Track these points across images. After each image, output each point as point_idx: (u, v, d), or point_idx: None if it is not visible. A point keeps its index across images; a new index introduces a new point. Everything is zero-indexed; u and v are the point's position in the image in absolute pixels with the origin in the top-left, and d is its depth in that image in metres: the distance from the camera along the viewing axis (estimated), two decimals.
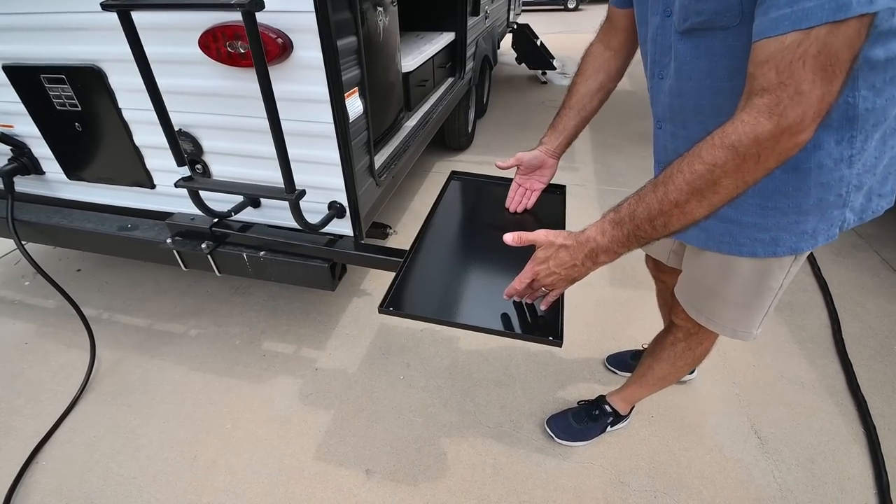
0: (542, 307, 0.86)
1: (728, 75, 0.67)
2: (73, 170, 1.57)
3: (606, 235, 0.69)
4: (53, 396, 1.66)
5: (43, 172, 1.62)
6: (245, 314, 2.03)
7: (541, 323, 0.86)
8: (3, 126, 1.54)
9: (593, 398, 1.51)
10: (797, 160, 0.68)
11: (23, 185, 1.66)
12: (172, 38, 1.16)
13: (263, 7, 0.88)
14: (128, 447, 1.49)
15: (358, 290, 2.16)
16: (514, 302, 0.89)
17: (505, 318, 0.87)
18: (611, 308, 2.02)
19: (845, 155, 0.69)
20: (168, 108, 1.11)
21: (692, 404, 1.60)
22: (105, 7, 0.93)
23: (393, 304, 0.90)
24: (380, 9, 1.56)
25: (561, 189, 1.30)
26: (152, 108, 1.10)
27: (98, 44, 1.26)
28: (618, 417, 1.46)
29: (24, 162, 1.57)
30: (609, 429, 1.47)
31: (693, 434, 1.51)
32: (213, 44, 1.13)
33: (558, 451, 1.46)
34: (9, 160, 1.57)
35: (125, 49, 1.02)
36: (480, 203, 1.30)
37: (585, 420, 1.46)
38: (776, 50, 0.52)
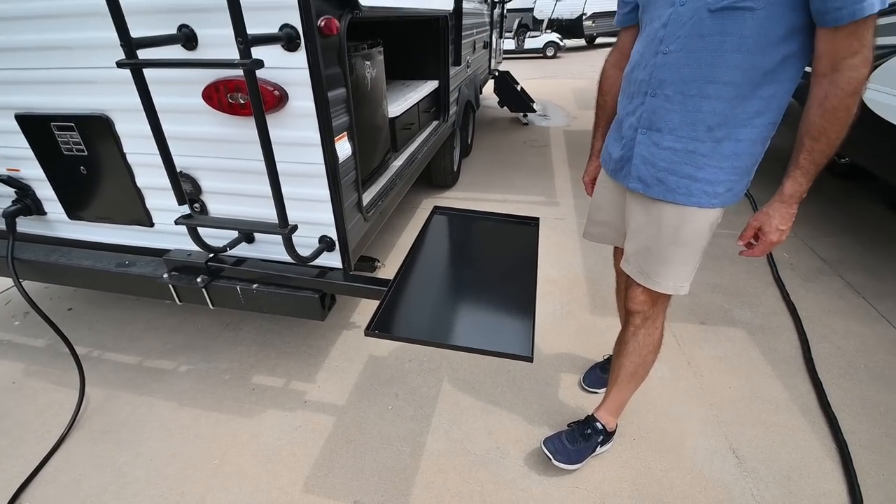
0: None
1: (733, 47, 0.93)
2: (75, 210, 1.64)
3: (804, 184, 0.97)
4: (39, 436, 1.65)
5: (45, 213, 1.70)
6: (235, 349, 2.06)
7: (513, 341, 0.94)
8: (10, 170, 1.63)
9: (583, 418, 1.55)
10: (746, 135, 1.01)
11: (23, 225, 1.73)
12: (178, 90, 1.28)
13: (263, 66, 1.00)
14: (114, 485, 1.48)
15: (347, 322, 2.21)
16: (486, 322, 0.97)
17: (481, 337, 0.94)
18: (592, 335, 2.09)
19: (768, 137, 1.04)
20: (171, 151, 1.21)
21: (672, 426, 1.65)
22: (120, 65, 1.04)
23: (378, 327, 0.97)
24: (367, 62, 1.72)
25: (535, 221, 1.41)
26: (155, 153, 1.20)
27: (108, 95, 1.38)
28: (606, 436, 1.51)
29: (28, 203, 1.65)
30: (598, 448, 1.50)
31: (673, 455, 1.55)
32: (215, 95, 1.25)
33: (544, 476, 1.48)
34: (12, 202, 1.65)
35: (133, 100, 1.14)
36: (460, 235, 1.40)
37: (579, 440, 1.49)
38: (857, 28, 0.83)
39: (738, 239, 1.11)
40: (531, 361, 0.89)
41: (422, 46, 2.78)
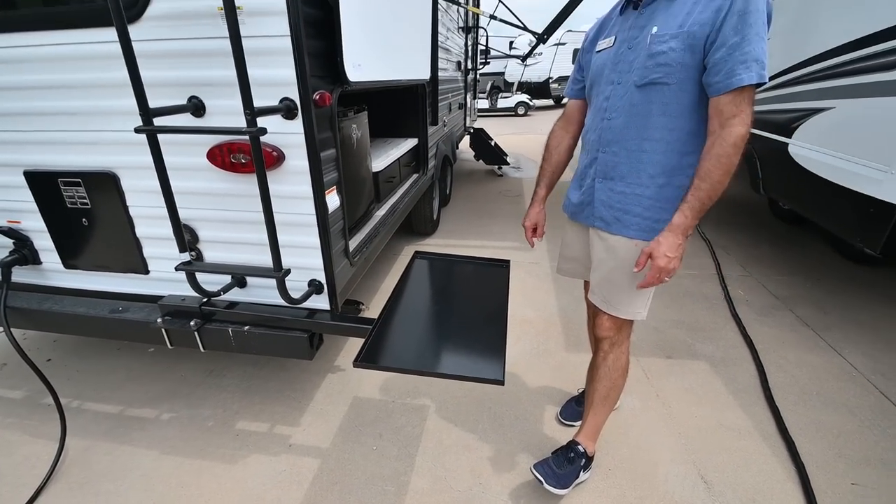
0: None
1: (659, 112, 1.18)
2: (71, 259, 1.72)
3: (689, 217, 1.15)
4: (15, 489, 1.61)
5: (40, 262, 1.76)
6: (219, 396, 2.08)
7: (487, 368, 1.05)
8: (11, 222, 1.72)
9: (565, 444, 1.62)
10: (681, 182, 1.21)
11: (17, 274, 1.78)
12: (185, 150, 1.43)
13: (266, 132, 1.17)
14: None
15: (331, 366, 2.26)
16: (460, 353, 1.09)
17: (458, 365, 1.06)
18: (567, 371, 2.20)
19: (686, 183, 1.20)
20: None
21: (644, 456, 1.73)
22: (138, 131, 1.19)
23: (366, 359, 1.07)
24: (354, 125, 1.93)
25: (506, 263, 1.56)
26: (156, 206, 1.33)
27: (116, 154, 1.52)
28: (587, 460, 1.59)
29: (25, 253, 1.72)
30: (581, 474, 1.57)
31: (647, 483, 1.63)
32: (219, 155, 1.40)
33: None
34: (10, 252, 1.72)
35: (139, 158, 1.28)
36: (439, 277, 1.54)
37: (564, 464, 1.54)
38: (734, 96, 1.06)
39: (634, 267, 1.27)
40: (502, 384, 0.99)
41: (403, 108, 3.06)
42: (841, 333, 2.49)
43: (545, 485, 1.50)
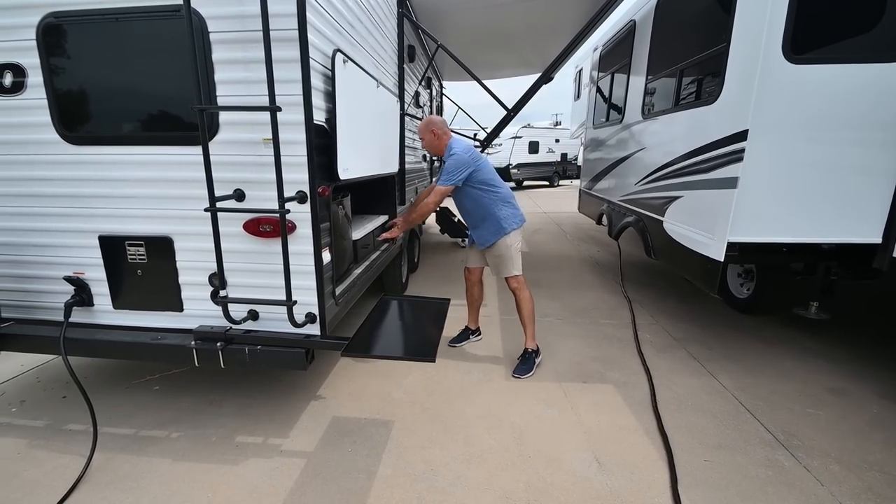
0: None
1: (480, 198, 2.74)
2: (120, 301, 2.27)
3: (405, 218, 2.93)
4: (49, 490, 1.98)
5: (93, 305, 2.30)
6: (219, 419, 2.52)
7: (424, 353, 1.68)
8: (77, 273, 2.27)
9: (520, 353, 3.04)
10: (487, 226, 2.89)
11: (73, 315, 2.29)
12: (229, 223, 2.08)
13: (290, 212, 1.86)
14: None
15: (315, 395, 2.75)
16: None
17: (406, 353, 1.68)
18: (505, 395, 2.77)
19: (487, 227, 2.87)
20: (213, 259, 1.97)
21: (556, 447, 2.29)
22: (206, 210, 1.86)
23: (349, 349, 1.68)
24: (341, 206, 2.66)
25: (447, 300, 2.23)
26: (197, 260, 1.97)
27: (174, 225, 2.17)
28: (535, 352, 3.03)
29: (83, 297, 2.26)
30: (537, 360, 3.02)
31: (556, 465, 2.17)
32: (252, 226, 2.07)
33: (460, 487, 2.04)
34: (72, 296, 2.25)
35: (190, 227, 1.95)
36: (399, 308, 2.18)
37: (526, 361, 2.97)
38: (439, 186, 2.71)
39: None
40: (433, 362, 1.60)
41: (379, 192, 3.87)
42: (718, 364, 3.21)
43: (523, 376, 2.84)
